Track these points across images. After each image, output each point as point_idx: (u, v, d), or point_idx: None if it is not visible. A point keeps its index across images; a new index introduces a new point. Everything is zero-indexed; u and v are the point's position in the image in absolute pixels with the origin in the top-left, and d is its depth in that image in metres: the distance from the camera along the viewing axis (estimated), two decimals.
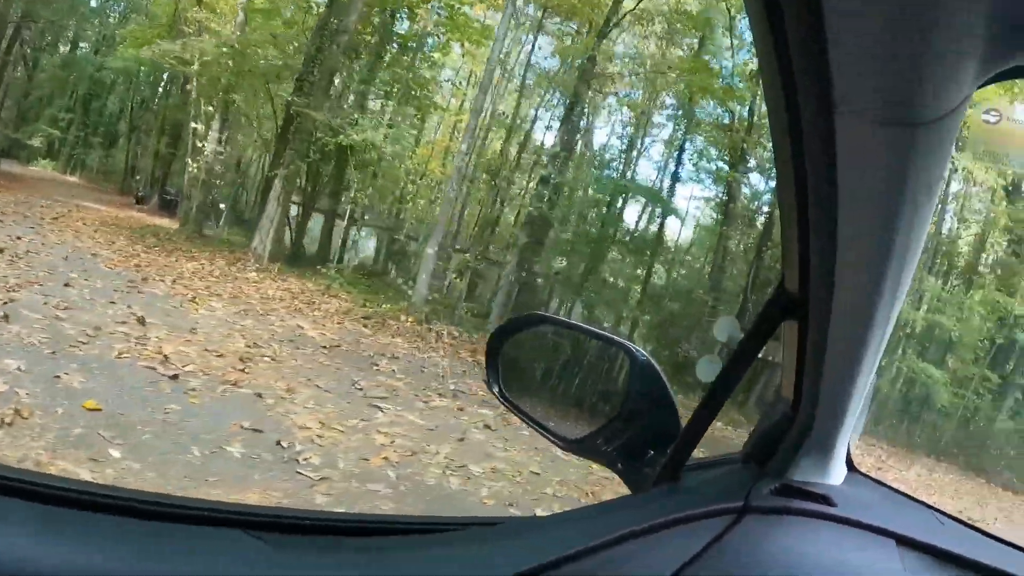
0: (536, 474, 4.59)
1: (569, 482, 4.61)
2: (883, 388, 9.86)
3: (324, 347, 6.34)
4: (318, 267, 8.44)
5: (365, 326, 7.17)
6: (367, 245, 11.29)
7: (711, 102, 9.88)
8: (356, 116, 8.13)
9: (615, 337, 0.93)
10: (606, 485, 4.79)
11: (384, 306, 7.66)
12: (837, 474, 0.85)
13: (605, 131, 10.73)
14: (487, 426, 5.31)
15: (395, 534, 0.70)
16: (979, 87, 0.45)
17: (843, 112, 0.44)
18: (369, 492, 3.72)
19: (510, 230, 8.43)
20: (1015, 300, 10.21)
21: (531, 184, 8.43)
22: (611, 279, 9.17)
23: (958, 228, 11.08)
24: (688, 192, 9.96)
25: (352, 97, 9.62)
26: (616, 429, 0.89)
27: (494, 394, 0.96)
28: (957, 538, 0.82)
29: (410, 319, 7.43)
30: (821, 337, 0.66)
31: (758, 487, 0.78)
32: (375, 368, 6.04)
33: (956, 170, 10.21)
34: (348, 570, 0.58)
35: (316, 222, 10.50)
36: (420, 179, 10.65)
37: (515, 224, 8.27)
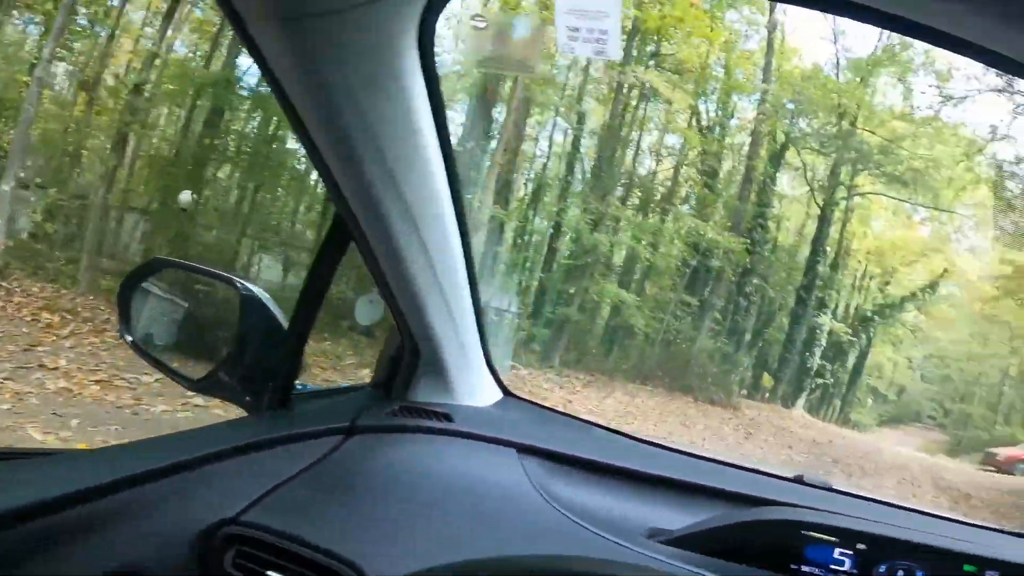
0: None
1: None
2: (572, 317, 10.26)
3: None
4: None
5: None
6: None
7: None
8: None
9: (224, 273, 0.95)
10: None
11: None
12: (468, 394, 0.90)
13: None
14: None
15: None
16: None
17: (250, 20, 0.44)
18: None
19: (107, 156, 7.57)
20: (708, 226, 10.97)
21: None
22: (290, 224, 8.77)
23: (656, 163, 11.76)
24: None
25: None
26: (234, 363, 0.89)
27: (127, 343, 0.96)
28: (602, 446, 0.92)
29: None
30: (372, 259, 0.68)
31: (374, 409, 0.86)
32: None
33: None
34: None
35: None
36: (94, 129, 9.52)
37: (118, 151, 7.46)
